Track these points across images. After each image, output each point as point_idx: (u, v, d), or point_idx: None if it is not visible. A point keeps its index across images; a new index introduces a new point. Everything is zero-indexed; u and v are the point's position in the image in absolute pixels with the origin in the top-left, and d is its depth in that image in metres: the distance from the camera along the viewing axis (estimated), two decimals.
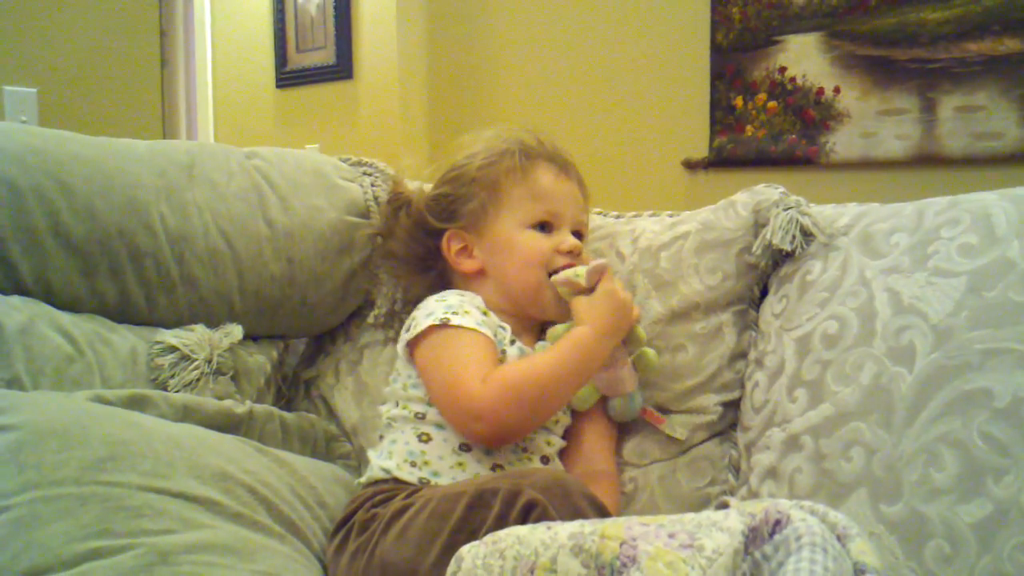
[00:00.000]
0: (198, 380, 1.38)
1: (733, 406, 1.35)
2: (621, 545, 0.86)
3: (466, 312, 1.32)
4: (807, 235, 1.32)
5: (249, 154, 1.60)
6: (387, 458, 1.30)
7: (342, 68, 3.59)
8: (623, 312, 1.32)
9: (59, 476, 0.98)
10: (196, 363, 1.38)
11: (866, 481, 1.07)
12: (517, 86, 3.31)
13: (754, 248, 1.35)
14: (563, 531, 0.91)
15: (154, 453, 1.05)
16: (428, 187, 1.53)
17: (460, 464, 1.26)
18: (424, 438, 1.29)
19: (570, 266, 1.37)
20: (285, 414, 1.42)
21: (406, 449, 1.29)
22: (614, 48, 3.08)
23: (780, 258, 1.35)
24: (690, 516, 0.91)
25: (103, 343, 1.36)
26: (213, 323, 1.48)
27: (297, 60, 3.76)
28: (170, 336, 1.40)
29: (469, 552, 0.97)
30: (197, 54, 4.10)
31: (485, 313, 1.35)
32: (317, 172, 1.62)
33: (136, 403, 1.22)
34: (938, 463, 0.99)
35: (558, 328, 1.36)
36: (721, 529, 0.86)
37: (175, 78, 4.02)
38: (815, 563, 0.80)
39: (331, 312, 1.63)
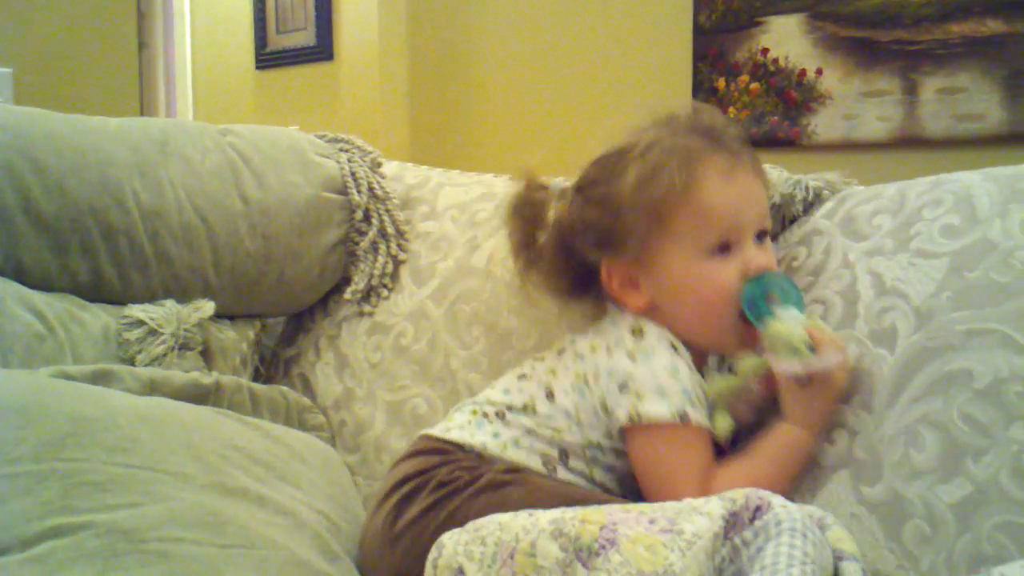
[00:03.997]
0: (165, 355, 1.36)
1: None
2: (601, 529, 0.86)
3: (698, 400, 1.14)
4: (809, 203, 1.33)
5: (223, 131, 1.58)
6: (492, 437, 1.20)
7: (322, 49, 3.56)
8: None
9: (17, 453, 0.96)
10: (163, 337, 1.37)
11: (848, 462, 1.06)
12: (499, 67, 3.29)
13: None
14: (544, 517, 0.90)
15: (117, 427, 1.03)
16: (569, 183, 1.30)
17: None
18: (549, 464, 1.18)
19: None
20: (254, 385, 1.40)
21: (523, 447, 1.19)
22: (597, 29, 3.06)
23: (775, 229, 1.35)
24: (671, 504, 0.91)
25: (74, 321, 1.34)
26: (188, 301, 1.46)
27: (277, 41, 3.72)
28: (138, 311, 1.39)
29: (450, 539, 0.96)
30: (176, 36, 4.06)
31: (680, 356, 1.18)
32: (293, 148, 1.61)
33: (101, 378, 1.20)
34: (918, 444, 0.98)
35: (749, 363, 1.16)
36: (701, 513, 0.86)
37: (154, 60, 3.99)
38: (794, 548, 0.79)
39: (309, 289, 1.62)
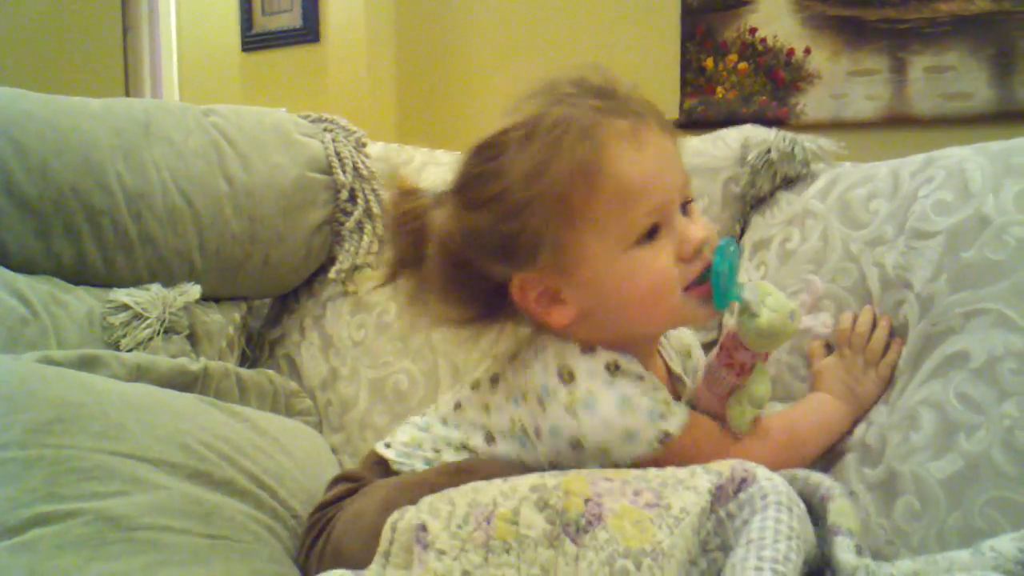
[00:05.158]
0: (150, 339, 1.35)
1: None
2: (586, 502, 0.84)
3: (665, 404, 0.99)
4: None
5: (206, 111, 1.57)
6: (424, 464, 1.08)
7: (309, 31, 3.54)
8: None
9: (3, 440, 0.94)
10: (148, 321, 1.35)
11: (856, 448, 1.07)
12: (486, 47, 3.28)
13: (750, 159, 1.35)
14: (523, 483, 0.88)
15: (104, 414, 1.01)
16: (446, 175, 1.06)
17: None
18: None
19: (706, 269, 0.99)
20: (241, 371, 1.39)
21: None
22: (585, 8, 3.05)
23: (763, 196, 1.36)
24: (655, 472, 0.89)
25: (58, 305, 1.33)
26: (173, 284, 1.44)
27: (263, 23, 3.70)
28: (123, 295, 1.38)
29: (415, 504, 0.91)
30: (161, 18, 4.03)
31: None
32: (276, 129, 1.59)
33: (87, 364, 1.18)
34: (916, 425, 0.98)
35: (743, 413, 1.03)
36: (688, 487, 0.85)
37: (139, 43, 3.96)
38: (780, 522, 0.79)
39: (294, 270, 1.60)
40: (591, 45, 3.03)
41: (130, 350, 1.32)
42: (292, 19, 3.58)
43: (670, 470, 0.89)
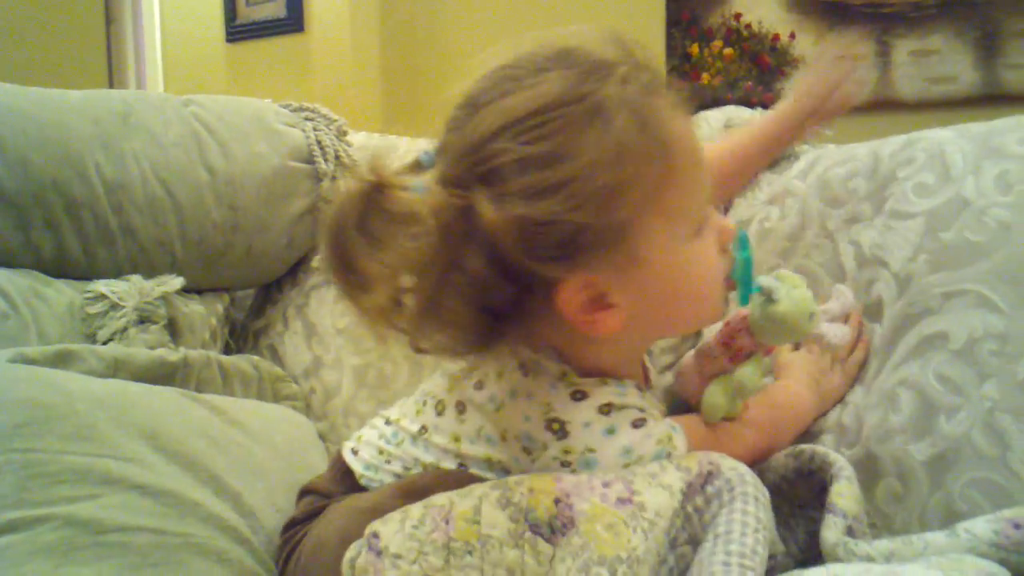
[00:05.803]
0: (125, 329, 1.34)
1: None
2: (556, 503, 0.80)
3: (667, 436, 0.93)
4: None
5: (186, 101, 1.56)
6: (393, 478, 1.00)
7: (293, 21, 3.52)
8: None
9: None
10: (124, 311, 1.34)
11: (833, 430, 1.06)
12: (470, 36, 3.26)
13: None
14: (481, 486, 0.84)
15: (75, 414, 0.99)
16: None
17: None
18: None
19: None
20: (223, 358, 1.38)
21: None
22: None
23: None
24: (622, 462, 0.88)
25: (38, 298, 1.32)
26: (155, 275, 1.43)
27: (247, 14, 3.69)
28: (101, 285, 1.36)
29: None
30: (145, 9, 4.00)
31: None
32: (257, 118, 1.58)
33: (62, 359, 1.17)
34: (895, 406, 0.98)
35: (740, 379, 0.99)
36: (662, 486, 0.82)
37: (122, 34, 3.94)
38: (747, 515, 0.78)
39: (277, 260, 1.60)
40: None
41: (107, 341, 1.31)
42: (276, 9, 3.57)
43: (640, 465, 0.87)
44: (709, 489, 0.82)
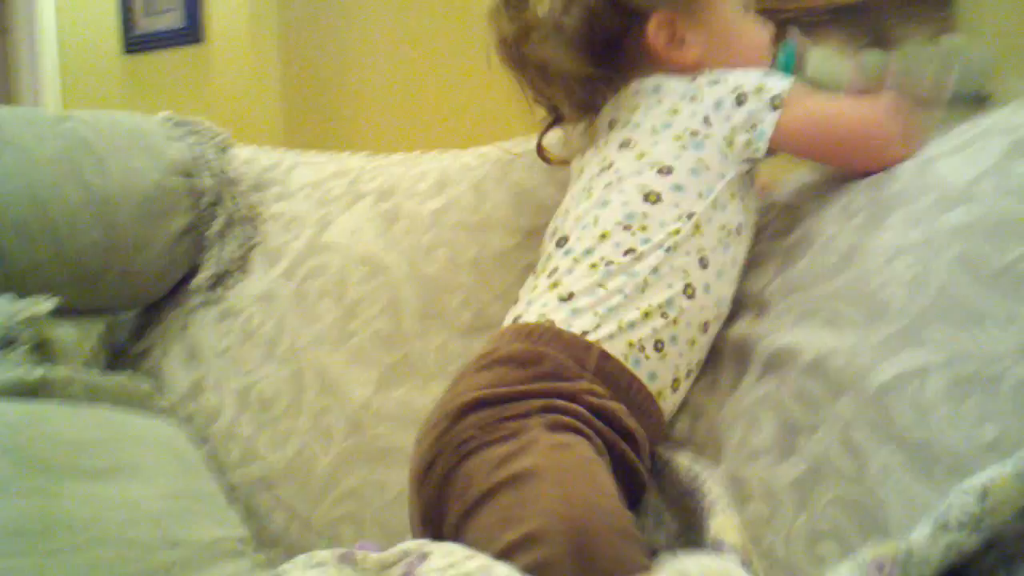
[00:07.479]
0: None
1: None
2: None
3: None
4: None
5: (63, 118, 1.50)
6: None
7: (191, 31, 3.47)
8: None
9: None
10: None
11: (689, 444, 1.05)
12: (372, 47, 3.23)
13: None
14: None
15: None
16: None
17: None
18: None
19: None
20: (89, 377, 1.32)
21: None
22: (471, 7, 3.02)
23: None
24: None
25: None
26: (27, 296, 1.36)
27: (145, 24, 3.62)
28: None
29: None
30: (40, 20, 3.91)
31: None
32: (136, 132, 1.54)
33: None
34: (757, 426, 0.96)
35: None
36: None
37: (17, 46, 3.85)
38: None
39: (157, 280, 1.55)
40: (487, 43, 3.00)
41: None
42: (175, 19, 3.52)
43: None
44: None
